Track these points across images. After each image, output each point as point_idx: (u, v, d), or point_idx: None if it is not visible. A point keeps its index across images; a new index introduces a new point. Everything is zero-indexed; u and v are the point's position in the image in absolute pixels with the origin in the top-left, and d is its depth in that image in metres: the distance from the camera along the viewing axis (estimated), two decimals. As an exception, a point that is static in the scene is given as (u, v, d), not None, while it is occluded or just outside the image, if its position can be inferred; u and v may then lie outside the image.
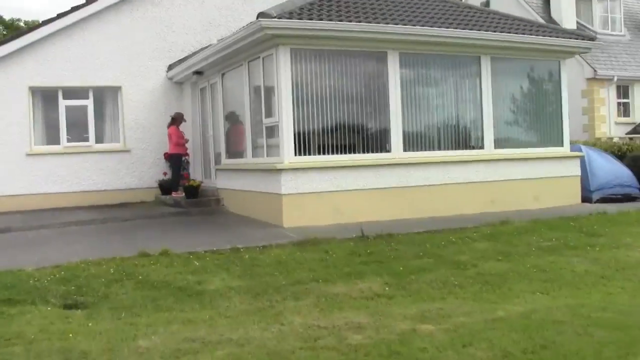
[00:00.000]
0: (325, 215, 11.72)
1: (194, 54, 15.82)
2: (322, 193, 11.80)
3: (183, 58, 16.52)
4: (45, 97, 16.16)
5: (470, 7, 15.60)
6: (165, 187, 15.94)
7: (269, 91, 12.31)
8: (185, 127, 16.04)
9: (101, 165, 16.26)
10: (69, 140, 16.16)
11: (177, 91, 17.07)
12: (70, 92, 16.20)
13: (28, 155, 15.66)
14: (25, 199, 15.49)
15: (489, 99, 13.76)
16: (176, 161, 15.58)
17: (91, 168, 16.17)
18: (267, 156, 12.35)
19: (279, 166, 11.46)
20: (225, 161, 14.45)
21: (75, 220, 13.17)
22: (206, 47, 14.90)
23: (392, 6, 13.62)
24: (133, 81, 16.57)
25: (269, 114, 12.26)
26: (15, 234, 12.04)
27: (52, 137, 16.15)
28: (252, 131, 13.07)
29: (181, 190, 15.34)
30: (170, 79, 16.89)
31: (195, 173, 16.39)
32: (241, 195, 13.42)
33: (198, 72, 15.21)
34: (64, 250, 10.01)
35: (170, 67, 16.77)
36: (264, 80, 12.36)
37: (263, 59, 12.26)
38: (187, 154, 15.92)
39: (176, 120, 15.64)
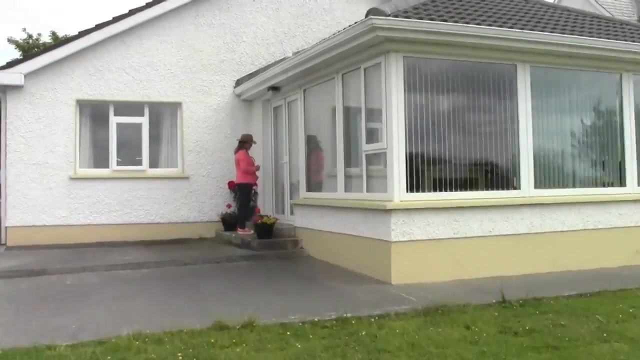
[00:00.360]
0: (443, 269, 9.16)
1: (267, 67, 13.50)
2: (439, 240, 9.22)
3: (253, 72, 14.20)
4: (94, 113, 13.92)
5: (599, 17, 12.94)
6: (230, 222, 13.52)
7: (372, 111, 9.81)
8: (254, 152, 13.61)
9: (155, 193, 13.92)
10: (119, 163, 13.87)
11: (245, 110, 14.71)
12: (123, 108, 13.96)
13: (72, 179, 13.40)
14: (66, 230, 13.23)
15: (631, 125, 11.08)
16: (244, 192, 13.15)
17: (143, 196, 13.83)
18: (367, 191, 9.80)
19: (388, 205, 8.89)
20: (305, 194, 11.95)
21: (125, 261, 10.78)
22: (283, 60, 12.56)
23: (514, 12, 11.08)
24: (195, 97, 14.27)
25: (371, 138, 9.74)
26: (52, 279, 9.67)
27: (99, 159, 13.90)
28: (345, 159, 10.56)
29: (249, 227, 12.90)
30: (238, 95, 14.56)
31: (265, 207, 13.93)
32: (327, 237, 10.88)
33: (274, 88, 12.81)
34: (111, 311, 7.55)
35: (238, 82, 14.44)
36: (365, 97, 9.86)
37: (365, 70, 9.79)
38: (256, 184, 13.45)
39: (245, 143, 13.23)
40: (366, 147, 9.77)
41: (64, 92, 13.37)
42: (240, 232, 12.89)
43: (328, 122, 11.38)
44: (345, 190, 10.51)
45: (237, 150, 13.26)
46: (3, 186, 13.32)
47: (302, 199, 11.96)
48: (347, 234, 10.16)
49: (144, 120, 14.05)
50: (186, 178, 14.14)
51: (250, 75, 14.12)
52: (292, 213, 12.78)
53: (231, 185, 14.08)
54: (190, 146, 14.20)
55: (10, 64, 12.87)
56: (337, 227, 10.50)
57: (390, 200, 9.01)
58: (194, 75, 14.25)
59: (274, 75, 12.40)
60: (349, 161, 10.56)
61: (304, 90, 12.03)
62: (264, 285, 9.03)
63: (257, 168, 13.28)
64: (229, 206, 14.00)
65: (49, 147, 13.24)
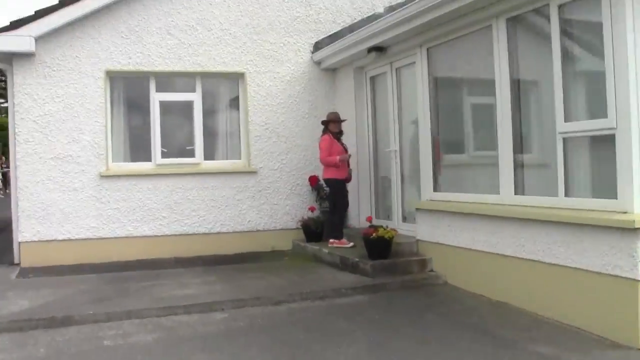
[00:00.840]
0: None
1: (354, 25, 10.16)
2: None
3: (336, 32, 10.79)
4: (130, 88, 10.50)
5: None
6: (314, 231, 10.16)
7: (577, 70, 6.30)
8: (346, 137, 10.13)
9: (213, 193, 10.51)
10: (164, 155, 10.44)
11: (327, 81, 11.23)
12: (168, 81, 10.57)
13: (102, 177, 10.00)
14: (97, 245, 9.91)
15: None
16: (337, 190, 9.71)
17: (198, 198, 10.43)
18: (566, 195, 6.29)
19: (637, 221, 5.37)
20: (432, 195, 8.50)
21: (186, 299, 7.38)
22: (392, 12, 9.10)
23: None
24: (262, 65, 10.80)
25: (576, 114, 6.23)
26: (81, 335, 6.31)
27: (139, 149, 10.52)
28: (514, 145, 7.06)
29: (346, 238, 9.51)
30: (318, 63, 11.07)
31: (361, 210, 10.45)
32: (480, 260, 7.43)
33: (378, 49, 9.33)
34: None
35: (317, 46, 10.96)
36: (561, 49, 6.32)
37: (561, 7, 6.27)
38: (348, 178, 9.92)
39: (328, 124, 9.76)
40: (565, 127, 6.26)
41: (89, 61, 9.96)
42: (335, 244, 9.49)
43: (474, 90, 7.97)
44: (517, 192, 7.02)
45: (322, 135, 9.82)
46: (14, 188, 10.01)
47: (429, 202, 8.50)
48: (526, 258, 6.68)
49: (195, 97, 10.60)
50: (253, 172, 10.71)
51: (333, 37, 10.67)
52: (404, 220, 9.40)
53: (313, 181, 10.67)
54: (257, 130, 10.75)
55: (16, 24, 9.43)
56: (503, 247, 7.04)
57: (627, 212, 5.52)
58: (260, 37, 10.77)
59: (379, 31, 8.95)
60: (519, 148, 7.07)
61: (428, 50, 8.52)
62: (428, 351, 5.53)
63: (349, 156, 9.74)
64: (312, 209, 10.58)
65: (72, 135, 9.85)
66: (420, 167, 8.76)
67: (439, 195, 8.38)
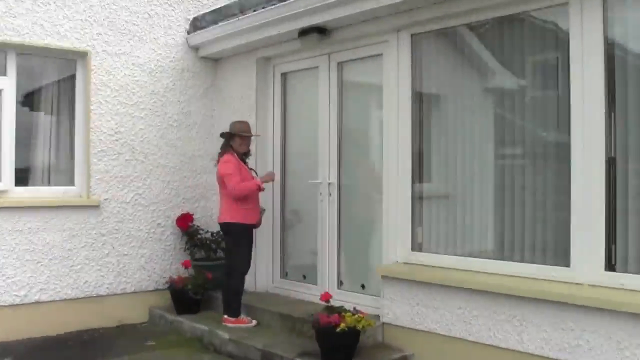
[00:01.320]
0: None
1: (248, 2, 7.06)
2: None
3: (222, 8, 7.61)
4: None
5: None
6: (190, 299, 6.81)
7: None
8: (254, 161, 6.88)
9: (29, 239, 6.60)
10: (-57, 176, 6.37)
11: (207, 76, 7.85)
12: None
13: None
14: None
15: None
16: (242, 242, 6.38)
17: (2, 247, 6.47)
18: None
19: None
20: (409, 257, 5.67)
21: None
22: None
23: None
24: (116, 44, 7.14)
25: None
26: None
27: None
28: (608, 189, 4.46)
29: (245, 315, 6.30)
30: (196, 48, 7.65)
31: (259, 266, 7.23)
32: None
33: (319, 30, 6.22)
34: None
35: (196, 24, 7.62)
36: None
37: None
38: (259, 223, 6.63)
39: (231, 138, 6.43)
40: None
41: None
42: (230, 323, 6.22)
43: (508, 90, 5.31)
44: (608, 267, 4.44)
45: (221, 154, 6.46)
46: None
47: (405, 266, 5.61)
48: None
49: (6, 84, 6.64)
50: (93, 207, 6.95)
51: (218, 13, 7.45)
52: (340, 286, 6.43)
53: (184, 221, 7.28)
54: (102, 142, 7.03)
55: None
56: (590, 355, 4.35)
57: None
58: (115, 1, 7.12)
59: (323, 5, 5.88)
60: (612, 192, 4.47)
61: (413, 37, 5.67)
62: None
63: (271, 178, 6.53)
64: (186, 264, 7.13)
65: None
66: (383, 208, 5.84)
67: (422, 258, 5.53)
